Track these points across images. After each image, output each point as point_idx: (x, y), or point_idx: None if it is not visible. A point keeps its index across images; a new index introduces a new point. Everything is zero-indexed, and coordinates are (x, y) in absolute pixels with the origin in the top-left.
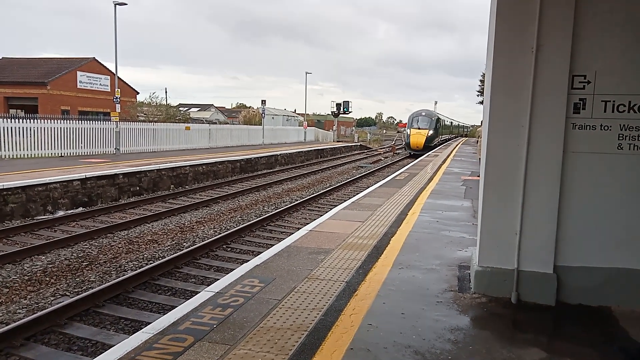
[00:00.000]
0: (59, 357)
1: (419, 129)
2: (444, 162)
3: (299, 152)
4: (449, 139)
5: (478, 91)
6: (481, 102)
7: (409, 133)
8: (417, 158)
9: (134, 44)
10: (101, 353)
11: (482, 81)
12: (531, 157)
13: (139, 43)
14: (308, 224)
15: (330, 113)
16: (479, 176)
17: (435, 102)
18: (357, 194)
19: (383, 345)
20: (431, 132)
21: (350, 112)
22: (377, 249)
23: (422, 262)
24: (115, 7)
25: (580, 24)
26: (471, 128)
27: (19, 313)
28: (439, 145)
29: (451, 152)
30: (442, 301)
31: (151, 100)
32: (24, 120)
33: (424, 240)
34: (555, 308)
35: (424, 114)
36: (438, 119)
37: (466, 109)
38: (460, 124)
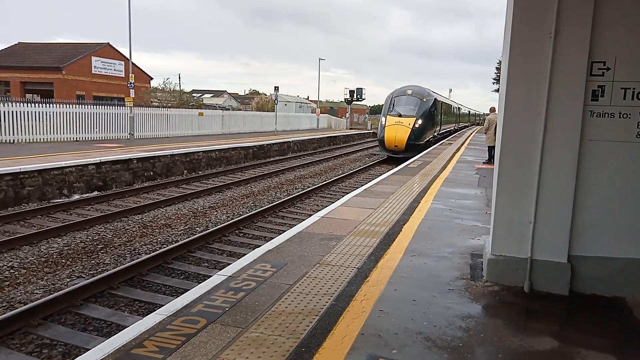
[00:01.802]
0: (75, 337)
1: (399, 116)
2: (457, 150)
3: (311, 139)
4: (455, 130)
5: (494, 79)
6: (496, 90)
7: (383, 123)
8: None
9: (147, 30)
10: (116, 333)
11: (498, 68)
12: (547, 145)
13: (152, 29)
14: (320, 210)
15: (343, 100)
16: (492, 165)
17: (450, 90)
18: (370, 181)
19: (394, 332)
20: (420, 121)
21: (363, 99)
22: (389, 236)
23: (434, 249)
24: None
25: (600, 9)
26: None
27: (37, 293)
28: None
29: (465, 140)
30: (453, 289)
31: (165, 86)
32: (40, 105)
33: (436, 228)
34: (568, 298)
35: (410, 92)
36: (434, 102)
37: (481, 97)
38: (472, 111)
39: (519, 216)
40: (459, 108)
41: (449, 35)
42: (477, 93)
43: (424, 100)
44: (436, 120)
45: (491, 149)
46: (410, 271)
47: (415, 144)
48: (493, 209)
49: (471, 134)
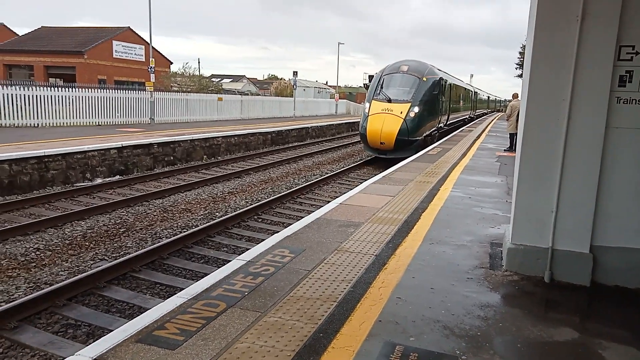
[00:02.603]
0: (99, 318)
1: (388, 101)
2: (478, 137)
3: (329, 124)
4: (471, 119)
5: (517, 64)
6: (520, 76)
7: (366, 112)
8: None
9: (165, 14)
10: (138, 315)
11: (522, 53)
12: (571, 132)
13: (170, 13)
14: (338, 197)
15: (362, 85)
16: (514, 152)
17: (471, 75)
18: (388, 168)
19: (412, 319)
20: (418, 109)
21: None
22: (408, 224)
23: (453, 238)
24: None
25: None
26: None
27: (61, 275)
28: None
29: (486, 127)
30: (472, 277)
31: (184, 70)
32: (63, 89)
33: (455, 216)
34: (590, 288)
35: (405, 68)
36: (439, 83)
37: (504, 82)
38: (492, 96)
39: (541, 205)
40: (476, 93)
41: (471, 19)
42: (499, 78)
43: (424, 79)
44: (442, 107)
45: (513, 136)
46: (428, 259)
47: (410, 140)
48: (514, 198)
49: (492, 121)
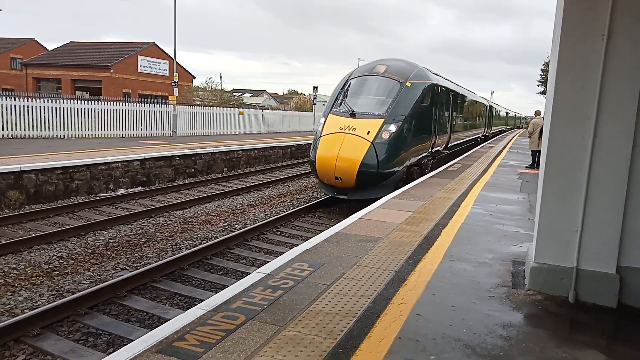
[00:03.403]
0: (119, 327)
1: (352, 115)
2: (499, 154)
3: None
4: (484, 139)
5: (539, 81)
6: (541, 93)
7: (319, 131)
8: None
9: (188, 30)
10: (158, 326)
11: (544, 70)
12: (597, 150)
13: (192, 28)
14: (357, 212)
15: None
16: (536, 169)
17: (492, 92)
18: (407, 183)
19: (432, 337)
20: (395, 127)
21: None
22: (428, 240)
23: (474, 255)
24: None
25: None
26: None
27: (83, 283)
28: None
29: (507, 144)
30: (494, 296)
31: (207, 85)
32: (89, 102)
33: (476, 233)
34: (616, 310)
35: (381, 69)
36: (432, 91)
37: (524, 99)
38: (510, 112)
39: (565, 224)
40: (491, 107)
41: (492, 36)
42: (520, 95)
43: (408, 85)
44: (439, 124)
45: (535, 153)
46: (449, 276)
47: (382, 173)
48: (537, 216)
49: (512, 138)
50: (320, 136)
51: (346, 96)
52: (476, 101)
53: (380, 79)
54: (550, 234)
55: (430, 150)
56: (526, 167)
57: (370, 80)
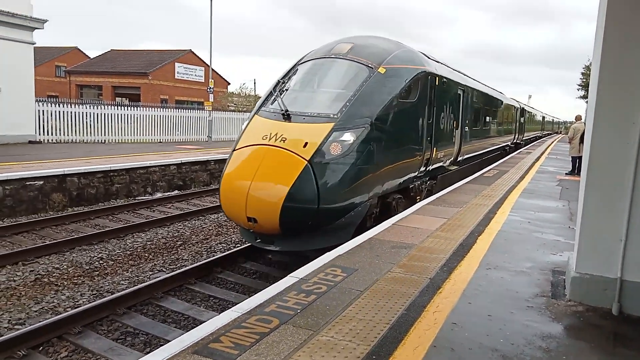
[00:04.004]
0: (156, 327)
1: (285, 117)
2: (537, 160)
3: None
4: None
5: (579, 85)
6: (582, 97)
7: (236, 142)
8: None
9: (223, 37)
10: (193, 327)
11: (584, 74)
12: None
13: (227, 35)
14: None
15: None
16: (576, 176)
17: (529, 96)
18: (442, 189)
19: (468, 346)
20: (352, 136)
21: None
22: (463, 247)
23: (511, 263)
24: (211, 0)
25: None
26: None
27: (122, 284)
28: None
29: (545, 150)
30: (532, 306)
31: (241, 91)
32: (128, 108)
33: (513, 241)
34: None
35: (345, 49)
36: (423, 82)
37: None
38: (547, 117)
39: (608, 233)
40: (523, 110)
41: (528, 38)
42: (558, 99)
43: (381, 72)
44: (437, 133)
45: (575, 159)
46: (485, 285)
47: (329, 210)
48: (578, 224)
49: (551, 143)
50: (233, 149)
51: (286, 89)
52: (502, 101)
53: (339, 62)
54: (592, 243)
55: (423, 168)
56: (566, 173)
57: (325, 65)
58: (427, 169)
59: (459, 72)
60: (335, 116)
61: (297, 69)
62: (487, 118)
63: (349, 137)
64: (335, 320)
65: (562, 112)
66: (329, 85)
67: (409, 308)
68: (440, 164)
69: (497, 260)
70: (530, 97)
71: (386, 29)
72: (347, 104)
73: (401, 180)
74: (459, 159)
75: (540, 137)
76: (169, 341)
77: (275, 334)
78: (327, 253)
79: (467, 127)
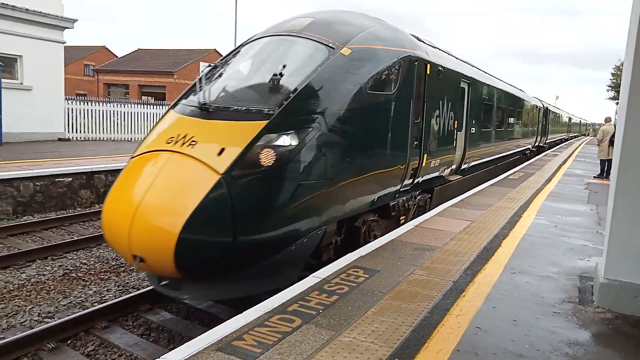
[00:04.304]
0: (179, 324)
1: (203, 111)
2: (564, 162)
3: None
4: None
5: (609, 85)
6: (612, 98)
7: (132, 157)
8: None
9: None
10: (216, 325)
11: (614, 74)
12: None
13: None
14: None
15: None
16: (605, 179)
17: (557, 97)
18: (465, 192)
19: (492, 351)
20: (294, 140)
21: None
22: (487, 251)
23: (537, 268)
24: (236, 2)
25: None
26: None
27: (147, 281)
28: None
29: (572, 152)
30: (559, 312)
31: None
32: (154, 106)
33: (539, 245)
34: None
35: (303, 24)
36: (407, 66)
37: (592, 104)
38: (574, 118)
39: (639, 238)
40: (547, 110)
41: (556, 37)
42: (587, 100)
43: (345, 53)
44: (430, 135)
45: (604, 162)
46: (510, 289)
47: (250, 243)
48: (608, 229)
49: (579, 145)
50: (131, 157)
51: (219, 75)
52: (522, 100)
53: (289, 41)
54: (622, 249)
55: (409, 180)
56: (594, 176)
57: (272, 45)
58: (416, 181)
59: (465, 62)
60: (271, 112)
61: (239, 51)
62: (503, 118)
63: (288, 140)
64: (357, 322)
65: (591, 114)
66: (272, 71)
67: (432, 311)
68: (436, 174)
69: (522, 264)
70: (557, 97)
71: (410, 27)
72: (292, 95)
73: (374, 197)
74: (464, 166)
75: (567, 140)
76: (192, 338)
77: (298, 333)
78: (349, 254)
79: (474, 129)
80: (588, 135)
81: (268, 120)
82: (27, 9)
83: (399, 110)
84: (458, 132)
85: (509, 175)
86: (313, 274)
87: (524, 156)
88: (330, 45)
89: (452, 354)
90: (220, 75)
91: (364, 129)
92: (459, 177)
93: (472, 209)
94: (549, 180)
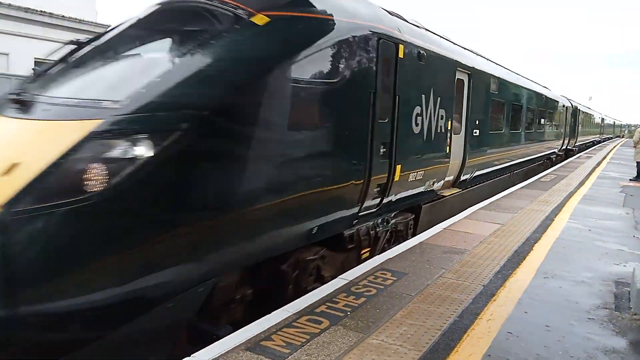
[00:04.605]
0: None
1: (19, 106)
2: (598, 165)
3: None
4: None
5: None
6: None
7: None
8: None
9: None
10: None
11: None
12: None
13: None
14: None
15: None
16: None
17: (590, 98)
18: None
19: (524, 357)
20: (161, 150)
21: None
22: (518, 254)
23: (570, 272)
24: None
25: None
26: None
27: None
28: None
29: (607, 154)
30: (594, 318)
31: None
32: None
33: (572, 249)
34: None
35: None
36: (363, 42)
37: (628, 104)
38: (607, 118)
39: None
40: (576, 110)
41: (589, 38)
42: (621, 101)
43: (260, 23)
44: (403, 137)
45: None
46: (542, 294)
47: (44, 317)
48: None
49: (614, 147)
50: None
51: (72, 59)
52: (544, 97)
53: (177, 8)
54: None
55: (373, 201)
56: (630, 179)
57: (153, 15)
58: (386, 200)
59: (465, 49)
60: (116, 105)
61: (116, 25)
62: (519, 118)
63: (136, 149)
64: (385, 324)
65: (626, 115)
66: (143, 49)
67: (461, 315)
68: (419, 189)
69: (555, 269)
70: (590, 98)
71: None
72: (157, 80)
73: (312, 226)
74: (464, 177)
75: (599, 142)
76: (221, 337)
77: (326, 334)
78: (377, 256)
79: (477, 130)
80: (623, 136)
81: (104, 119)
82: (63, 16)
83: (349, 105)
84: (454, 135)
85: (540, 178)
86: (340, 276)
87: (548, 161)
88: (236, 12)
89: (483, 359)
90: (77, 57)
91: (282, 133)
92: (458, 190)
93: (502, 211)
94: (582, 183)
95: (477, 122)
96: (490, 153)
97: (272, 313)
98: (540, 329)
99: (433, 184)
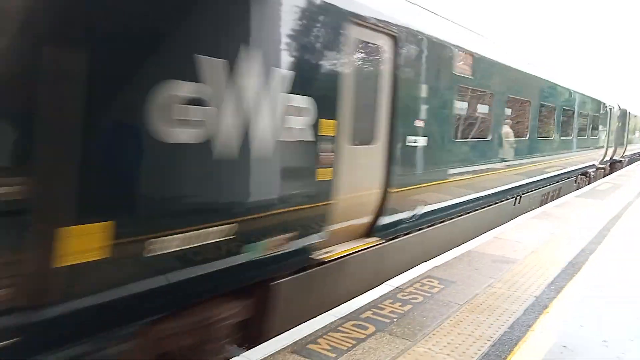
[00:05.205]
0: None
1: None
2: None
3: None
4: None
5: None
6: None
7: None
8: None
9: None
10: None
11: None
12: None
13: None
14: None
15: None
16: None
17: None
18: (545, 203)
19: None
20: None
21: None
22: (573, 265)
23: (631, 286)
24: None
25: None
26: None
27: None
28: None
29: None
30: None
31: None
32: None
33: (633, 261)
34: None
35: None
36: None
37: None
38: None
39: None
40: (624, 114)
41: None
42: None
43: None
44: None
45: None
46: (600, 307)
47: None
48: None
49: None
50: None
51: None
52: (572, 93)
53: None
54: None
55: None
56: None
57: None
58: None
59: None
60: None
61: None
62: (547, 120)
63: None
64: (432, 333)
65: None
66: None
67: (512, 326)
68: (388, 219)
69: (613, 282)
70: None
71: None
72: None
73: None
74: (389, 219)
75: None
76: (269, 339)
77: (372, 340)
78: (424, 263)
79: (421, 137)
80: None
81: None
82: None
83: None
84: (357, 147)
85: (596, 187)
86: (386, 282)
87: (584, 176)
88: None
89: None
90: None
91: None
92: (373, 243)
93: (554, 221)
94: None
95: (421, 123)
96: (460, 173)
97: (318, 317)
98: (597, 344)
99: (389, 213)
